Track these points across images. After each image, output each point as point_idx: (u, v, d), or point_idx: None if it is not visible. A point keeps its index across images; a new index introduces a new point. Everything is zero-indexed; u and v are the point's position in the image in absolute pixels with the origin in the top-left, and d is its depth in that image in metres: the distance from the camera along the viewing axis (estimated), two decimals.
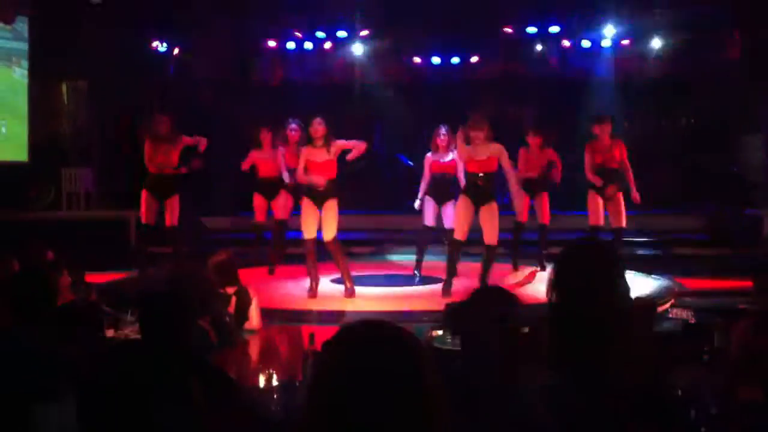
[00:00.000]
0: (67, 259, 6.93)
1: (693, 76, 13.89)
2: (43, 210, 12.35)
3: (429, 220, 9.41)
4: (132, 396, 2.69)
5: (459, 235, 8.21)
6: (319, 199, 8.27)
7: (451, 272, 8.29)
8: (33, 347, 3.48)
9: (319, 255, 8.53)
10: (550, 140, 9.90)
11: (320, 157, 8.24)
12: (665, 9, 13.29)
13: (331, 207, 8.25)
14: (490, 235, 8.14)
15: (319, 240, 8.42)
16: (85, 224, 11.88)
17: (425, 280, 9.27)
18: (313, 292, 8.40)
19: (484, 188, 8.10)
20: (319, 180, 8.19)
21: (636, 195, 9.12)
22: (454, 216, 8.44)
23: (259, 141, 9.99)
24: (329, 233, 8.23)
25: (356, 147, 8.45)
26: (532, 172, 9.65)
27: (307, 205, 8.37)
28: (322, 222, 8.29)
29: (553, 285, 2.59)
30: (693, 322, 6.08)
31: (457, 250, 8.33)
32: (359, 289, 8.64)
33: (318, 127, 8.21)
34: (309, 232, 8.37)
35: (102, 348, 4.45)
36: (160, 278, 8.80)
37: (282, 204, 9.91)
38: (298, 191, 9.16)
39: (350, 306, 7.93)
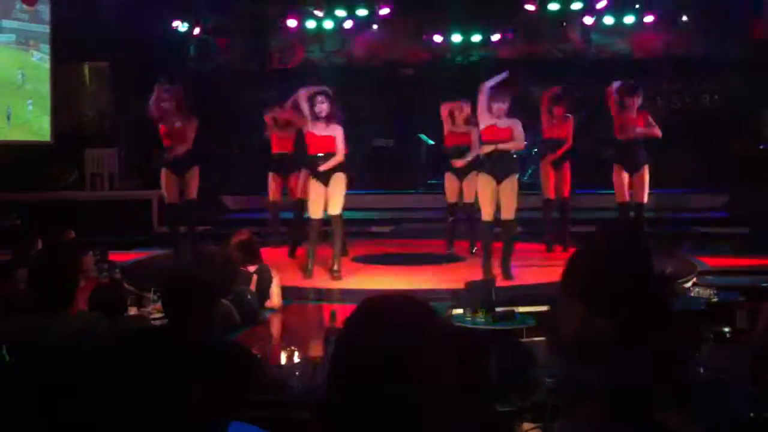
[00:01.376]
0: (91, 238, 7.01)
1: (717, 54, 13.74)
2: (66, 190, 12.45)
3: (452, 196, 9.40)
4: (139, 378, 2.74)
5: (487, 216, 8.09)
6: (323, 177, 8.19)
7: (489, 252, 8.17)
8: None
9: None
10: (572, 109, 9.90)
11: (320, 131, 8.20)
12: None
13: (338, 181, 8.15)
14: (508, 209, 8.04)
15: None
16: (108, 204, 11.97)
17: (448, 259, 9.29)
18: (310, 273, 8.26)
19: (503, 160, 8.04)
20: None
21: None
22: (480, 198, 8.27)
23: (277, 119, 10.02)
24: (335, 208, 8.14)
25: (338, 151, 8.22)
26: (556, 133, 9.70)
27: (313, 184, 8.29)
28: (328, 197, 8.18)
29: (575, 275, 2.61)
30: (715, 300, 6.05)
31: (489, 231, 8.19)
32: (381, 268, 8.72)
33: (321, 105, 8.15)
34: (315, 212, 8.31)
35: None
36: (184, 259, 8.87)
37: (298, 182, 9.80)
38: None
39: (371, 284, 7.95)
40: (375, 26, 14.40)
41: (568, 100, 9.88)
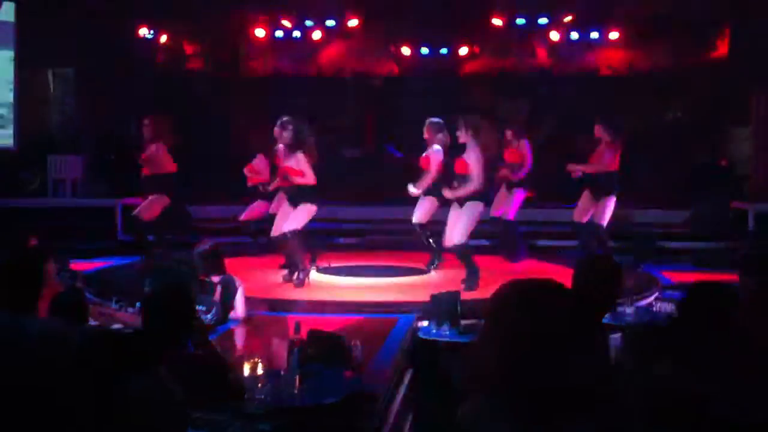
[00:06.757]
0: (53, 246, 6.91)
1: (681, 70, 13.95)
2: (29, 196, 12.29)
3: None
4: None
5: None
6: (292, 201, 8.35)
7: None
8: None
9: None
10: (523, 133, 9.93)
11: (285, 161, 8.35)
12: (655, 4, 13.35)
13: (302, 210, 8.28)
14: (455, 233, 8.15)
15: None
16: (71, 211, 11.82)
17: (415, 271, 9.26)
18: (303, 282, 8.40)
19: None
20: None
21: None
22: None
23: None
24: (289, 225, 8.25)
25: (305, 177, 8.27)
26: (512, 159, 9.71)
27: (284, 204, 8.52)
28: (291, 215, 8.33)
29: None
30: (677, 315, 6.11)
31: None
32: (348, 279, 8.72)
33: (283, 133, 8.30)
34: (275, 229, 8.49)
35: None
36: (145, 268, 8.79)
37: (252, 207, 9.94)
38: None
39: (337, 295, 7.93)
40: (343, 37, 14.45)
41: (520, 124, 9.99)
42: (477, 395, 1.87)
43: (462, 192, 8.05)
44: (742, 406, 2.77)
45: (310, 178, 8.21)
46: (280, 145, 8.49)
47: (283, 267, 8.85)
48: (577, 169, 9.09)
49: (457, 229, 8.10)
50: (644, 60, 14.30)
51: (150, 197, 9.43)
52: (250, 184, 9.88)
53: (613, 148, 8.95)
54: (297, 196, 8.29)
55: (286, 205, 8.47)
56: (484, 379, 1.86)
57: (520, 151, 9.77)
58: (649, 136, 13.89)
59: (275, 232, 8.47)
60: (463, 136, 8.09)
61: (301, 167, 8.18)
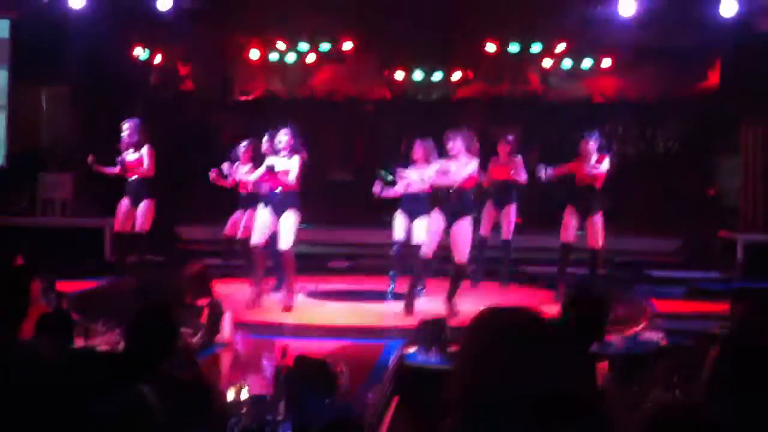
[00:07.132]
0: (39, 265, 6.86)
1: (672, 100, 14.03)
2: (16, 215, 12.22)
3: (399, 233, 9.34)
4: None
5: (426, 251, 8.19)
6: (277, 208, 8.26)
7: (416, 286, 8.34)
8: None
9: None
10: (516, 150, 9.88)
11: (279, 165, 8.26)
12: (647, 33, 13.43)
13: (289, 217, 8.21)
14: (459, 253, 8.07)
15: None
16: (59, 231, 11.75)
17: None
18: (255, 302, 8.33)
19: (455, 203, 8.08)
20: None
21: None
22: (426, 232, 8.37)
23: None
24: (284, 243, 8.19)
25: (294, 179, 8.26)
26: (499, 176, 9.66)
27: (263, 212, 8.41)
28: (278, 231, 8.25)
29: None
30: (665, 344, 6.12)
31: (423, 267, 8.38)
32: (335, 304, 8.66)
33: (283, 137, 8.27)
34: (255, 237, 8.40)
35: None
36: (129, 288, 8.76)
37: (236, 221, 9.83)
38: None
39: (324, 320, 7.90)
40: (338, 62, 14.51)
41: (514, 141, 9.93)
42: (452, 422, 1.85)
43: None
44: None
45: (295, 182, 8.19)
46: (272, 157, 8.44)
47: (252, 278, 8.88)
48: (543, 169, 8.96)
49: (458, 247, 8.07)
50: (636, 88, 14.38)
51: (141, 206, 9.36)
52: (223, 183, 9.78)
53: (599, 162, 8.90)
54: (282, 203, 8.24)
55: (266, 216, 8.38)
56: (458, 405, 1.85)
57: (510, 167, 9.73)
58: (639, 165, 13.95)
59: (255, 240, 8.39)
60: (455, 148, 8.06)
61: (295, 170, 8.16)
